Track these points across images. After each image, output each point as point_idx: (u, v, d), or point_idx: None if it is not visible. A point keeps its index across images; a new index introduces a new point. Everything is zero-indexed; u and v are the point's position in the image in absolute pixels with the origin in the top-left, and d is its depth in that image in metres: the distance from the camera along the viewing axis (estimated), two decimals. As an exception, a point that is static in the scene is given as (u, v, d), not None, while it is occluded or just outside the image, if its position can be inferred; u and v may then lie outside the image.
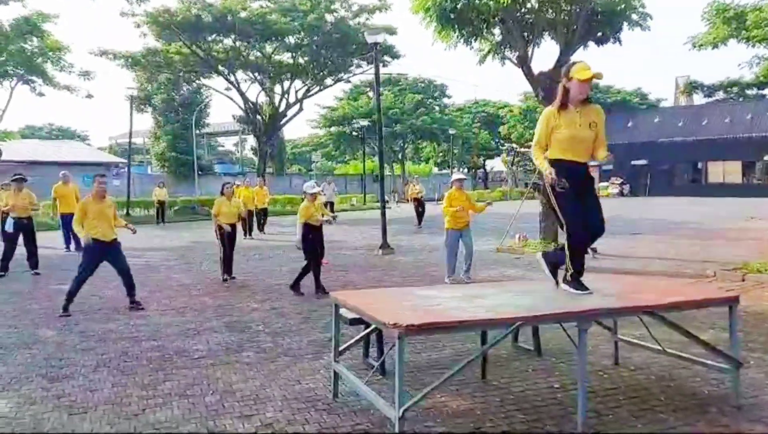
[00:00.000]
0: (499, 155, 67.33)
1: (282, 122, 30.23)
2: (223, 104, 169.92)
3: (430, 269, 11.20)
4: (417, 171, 57.17)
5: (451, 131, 50.55)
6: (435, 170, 64.76)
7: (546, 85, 12.49)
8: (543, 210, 12.81)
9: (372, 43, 14.08)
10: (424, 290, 4.78)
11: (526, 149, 59.30)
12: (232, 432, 4.00)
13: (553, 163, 4.40)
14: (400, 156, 56.54)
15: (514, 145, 62.88)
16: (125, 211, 25.38)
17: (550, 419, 4.14)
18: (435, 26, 13.24)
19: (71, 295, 7.61)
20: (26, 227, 11.27)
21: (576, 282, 4.43)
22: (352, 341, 4.82)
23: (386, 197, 43.51)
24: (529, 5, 13.29)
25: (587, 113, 4.46)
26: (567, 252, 4.49)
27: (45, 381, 5.03)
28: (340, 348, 4.63)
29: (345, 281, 9.91)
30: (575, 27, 12.82)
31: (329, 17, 25.81)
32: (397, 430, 3.51)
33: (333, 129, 54.11)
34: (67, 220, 14.19)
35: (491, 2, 12.95)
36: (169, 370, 5.32)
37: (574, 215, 4.43)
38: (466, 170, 62.65)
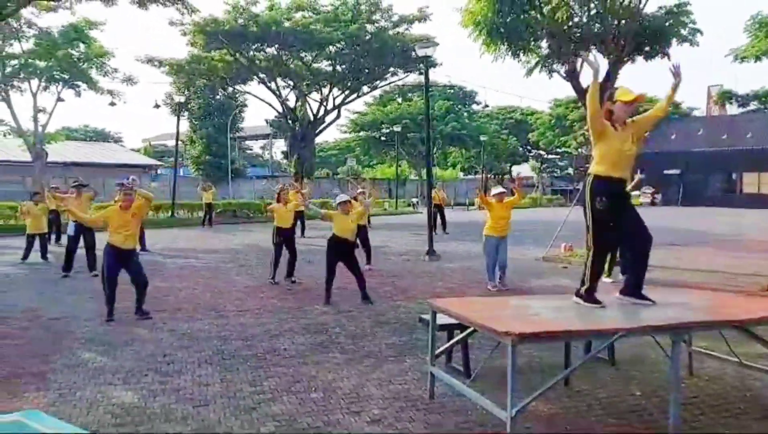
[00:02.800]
0: (526, 161, 67.38)
1: (320, 128, 30.79)
2: (253, 108, 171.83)
3: (480, 277, 11.48)
4: (444, 176, 57.44)
5: (482, 138, 50.71)
6: (461, 175, 65.00)
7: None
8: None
9: (422, 56, 14.42)
10: (515, 300, 5.11)
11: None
12: (346, 427, 4.38)
13: (599, 179, 4.72)
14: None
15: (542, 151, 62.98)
16: (170, 213, 26.06)
17: (639, 424, 4.45)
18: (483, 39, 13.58)
19: (108, 300, 7.74)
20: (86, 231, 11.78)
21: (590, 297, 4.73)
22: (447, 345, 5.16)
23: (412, 201, 44.12)
24: (577, 19, 13.56)
25: (628, 128, 4.78)
26: (588, 267, 4.81)
27: (158, 376, 5.46)
28: (436, 352, 4.98)
29: (401, 288, 10.24)
30: (623, 42, 13.04)
31: (370, 27, 26.32)
32: (509, 430, 3.84)
33: (362, 134, 54.68)
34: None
35: (539, 16, 13.28)
36: (267, 368, 5.73)
37: (602, 236, 4.77)
38: (493, 175, 62.78)
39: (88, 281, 10.83)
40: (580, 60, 13.71)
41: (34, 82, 30.83)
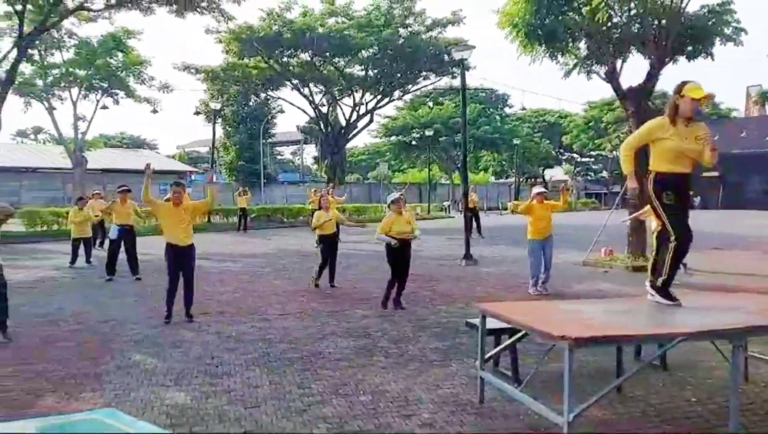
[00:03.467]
0: (559, 165, 66.67)
1: (352, 133, 30.94)
2: (285, 115, 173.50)
3: (519, 280, 11.39)
4: (476, 180, 57.16)
5: (515, 141, 50.32)
6: (492, 179, 64.58)
7: (636, 100, 12.54)
8: (631, 223, 12.81)
9: (458, 59, 14.40)
10: (565, 304, 5.05)
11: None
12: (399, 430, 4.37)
13: (661, 175, 4.66)
14: (459, 165, 56.57)
15: (576, 154, 62.24)
16: (207, 218, 26.43)
17: (696, 431, 4.35)
18: (521, 41, 13.48)
19: (168, 302, 7.86)
20: (128, 234, 12.02)
21: (666, 292, 4.64)
22: (496, 350, 5.13)
23: (444, 205, 43.99)
24: (616, 20, 13.38)
25: (694, 128, 4.68)
26: (669, 260, 4.71)
27: (208, 377, 5.53)
28: (486, 356, 4.94)
29: (440, 293, 10.19)
30: (665, 42, 12.81)
31: (403, 31, 26.39)
32: (566, 434, 3.79)
33: (393, 138, 54.69)
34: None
35: (578, 18, 13.14)
36: (313, 371, 5.75)
37: (682, 224, 4.68)
38: (525, 179, 62.26)
39: (131, 285, 11.05)
40: (620, 61, 13.56)
41: (74, 90, 31.76)
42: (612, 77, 13.26)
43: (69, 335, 7.24)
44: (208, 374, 5.64)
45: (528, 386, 4.91)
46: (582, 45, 14.02)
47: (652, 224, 10.57)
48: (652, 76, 12.93)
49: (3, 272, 6.85)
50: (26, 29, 19.61)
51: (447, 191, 53.15)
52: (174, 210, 7.87)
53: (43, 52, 28.54)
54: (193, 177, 49.33)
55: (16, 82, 22.35)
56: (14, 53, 19.92)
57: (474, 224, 19.85)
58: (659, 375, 5.58)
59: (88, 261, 13.56)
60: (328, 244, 10.65)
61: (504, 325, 4.93)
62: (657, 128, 4.70)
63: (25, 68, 27.54)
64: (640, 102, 12.87)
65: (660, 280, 4.71)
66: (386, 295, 8.74)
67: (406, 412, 4.70)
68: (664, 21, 12.87)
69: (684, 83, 4.67)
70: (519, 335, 4.89)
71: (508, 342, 5.07)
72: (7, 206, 7.19)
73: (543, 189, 10.25)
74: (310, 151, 69.87)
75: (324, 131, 30.60)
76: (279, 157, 77.27)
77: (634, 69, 45.81)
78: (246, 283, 11.19)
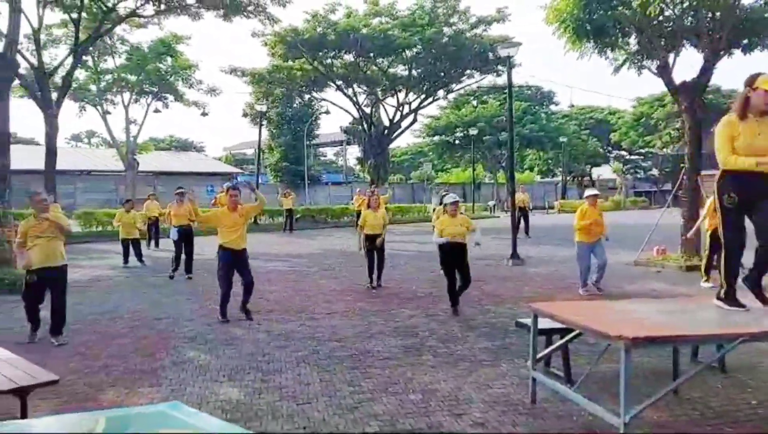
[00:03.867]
0: (607, 162, 65.20)
1: (396, 134, 30.98)
2: (327, 116, 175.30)
3: (568, 281, 11.22)
4: (521, 179, 56.42)
5: (562, 139, 49.45)
6: (537, 178, 63.63)
7: (689, 95, 12.18)
8: (684, 222, 12.46)
9: (504, 56, 14.25)
10: (619, 304, 4.95)
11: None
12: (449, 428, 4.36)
13: (729, 173, 4.42)
14: (504, 165, 55.94)
15: (624, 152, 60.84)
16: (253, 219, 26.86)
17: (759, 434, 4.21)
18: (569, 37, 13.26)
19: (222, 304, 7.99)
20: (186, 235, 12.32)
21: (732, 300, 4.44)
22: (548, 350, 5.06)
23: (489, 205, 43.55)
24: (668, 13, 13.02)
25: (765, 122, 4.45)
26: (721, 268, 4.53)
27: (260, 374, 5.63)
28: (537, 356, 4.89)
29: (488, 293, 10.09)
30: (720, 35, 12.41)
31: (447, 30, 26.29)
32: (622, 435, 3.71)
33: (436, 138, 54.47)
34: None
35: (628, 12, 12.84)
36: (363, 369, 5.79)
37: (734, 232, 4.46)
38: (572, 178, 61.23)
39: (183, 284, 11.32)
40: (672, 55, 13.18)
41: (126, 95, 32.77)
42: (664, 72, 12.90)
43: (126, 331, 7.47)
44: (260, 370, 5.75)
45: (580, 387, 4.83)
46: (632, 40, 13.69)
47: (705, 223, 10.29)
48: (707, 70, 12.54)
49: (66, 275, 7.08)
50: (81, 36, 20.31)
51: (491, 191, 52.61)
52: (230, 215, 8.00)
53: (96, 58, 29.52)
54: (239, 178, 50.26)
55: (72, 88, 23.15)
56: (70, 60, 20.66)
57: (522, 223, 19.63)
58: (717, 377, 5.41)
59: (140, 261, 13.96)
60: (374, 243, 10.64)
61: (556, 325, 4.87)
62: (730, 125, 4.47)
63: (80, 74, 28.54)
64: (693, 97, 12.49)
65: (721, 291, 4.53)
66: (452, 302, 8.47)
67: (457, 411, 4.69)
68: (718, 13, 12.45)
69: (757, 75, 4.44)
70: (571, 335, 4.82)
71: (561, 342, 5.00)
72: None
73: (597, 192, 9.97)
74: (353, 152, 70.23)
75: (367, 131, 30.73)
76: (322, 158, 77.94)
77: (687, 63, 44.47)
78: (293, 282, 11.34)
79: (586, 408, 4.20)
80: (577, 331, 4.58)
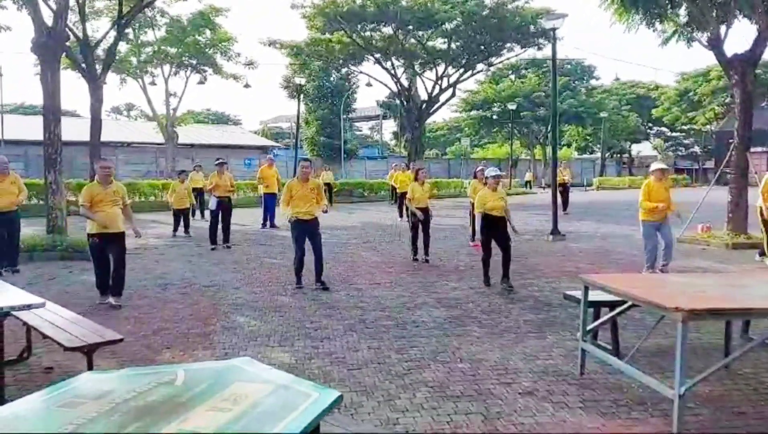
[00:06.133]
0: (647, 139, 63.69)
1: (434, 108, 30.73)
2: (364, 90, 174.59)
3: (614, 256, 11.13)
4: (559, 156, 55.43)
5: (602, 114, 48.40)
6: (575, 154, 62.55)
7: (741, 69, 11.79)
8: (732, 199, 12.17)
9: (549, 28, 13.96)
10: (673, 277, 4.90)
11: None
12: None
13: None
14: (542, 140, 55.12)
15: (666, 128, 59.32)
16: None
17: (816, 411, 4.16)
18: (616, 9, 12.93)
19: (297, 271, 8.29)
20: (226, 206, 12.53)
21: None
22: (598, 322, 5.06)
23: (527, 180, 43.04)
24: (721, -18, 12.58)
25: None
26: None
27: (310, 340, 5.76)
28: (587, 328, 4.89)
29: (530, 267, 10.05)
30: (776, 5, 11.94)
31: (488, 1, 25.85)
32: (676, 409, 3.71)
33: (473, 113, 53.90)
34: (268, 199, 15.67)
35: (679, -19, 12.44)
36: (409, 337, 5.88)
37: None
38: (611, 155, 60.08)
39: (228, 253, 11.56)
40: (724, 26, 12.74)
41: (166, 68, 33.18)
42: (715, 44, 12.49)
43: (177, 298, 7.70)
44: (308, 337, 5.88)
45: (629, 361, 4.83)
46: (682, 11, 13.28)
47: (759, 200, 10.04)
48: (760, 43, 12.09)
49: (124, 241, 7.32)
50: (124, 9, 20.54)
51: (528, 167, 51.91)
52: (301, 186, 8.14)
53: (137, 31, 29.86)
54: (275, 152, 50.61)
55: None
56: (113, 33, 20.94)
57: (559, 199, 19.33)
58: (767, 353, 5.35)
59: (186, 231, 14.26)
60: (423, 219, 10.62)
61: (605, 298, 4.87)
62: None
63: (121, 46, 28.92)
64: (745, 71, 12.08)
65: None
66: (485, 272, 8.50)
67: (505, 380, 4.74)
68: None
69: None
70: (622, 307, 4.80)
71: (610, 314, 4.98)
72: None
73: (664, 166, 9.05)
74: (388, 126, 70.03)
75: (405, 105, 30.55)
76: (359, 133, 77.83)
77: (739, 35, 42.85)
78: (335, 253, 11.46)
79: (639, 380, 4.20)
80: (628, 304, 4.57)
